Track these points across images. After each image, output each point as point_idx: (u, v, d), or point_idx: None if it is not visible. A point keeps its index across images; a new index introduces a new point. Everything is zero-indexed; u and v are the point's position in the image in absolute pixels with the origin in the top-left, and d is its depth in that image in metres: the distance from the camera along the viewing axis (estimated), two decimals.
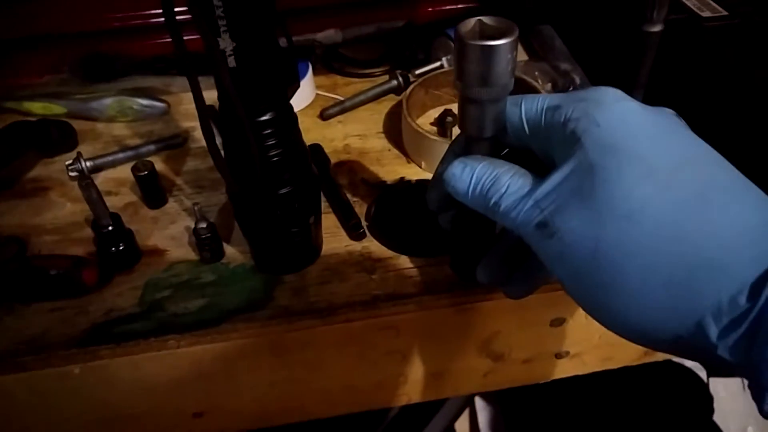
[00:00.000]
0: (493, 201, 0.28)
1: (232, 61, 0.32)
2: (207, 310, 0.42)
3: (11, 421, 0.43)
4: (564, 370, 0.53)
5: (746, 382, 0.23)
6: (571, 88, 0.61)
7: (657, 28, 0.37)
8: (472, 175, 0.28)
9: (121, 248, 0.44)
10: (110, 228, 0.43)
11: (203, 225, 0.43)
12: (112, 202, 0.52)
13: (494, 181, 0.28)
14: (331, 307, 0.42)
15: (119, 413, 0.44)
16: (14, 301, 0.42)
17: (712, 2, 0.50)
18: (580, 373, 0.54)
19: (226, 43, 0.31)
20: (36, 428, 0.44)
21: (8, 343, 0.41)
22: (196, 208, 0.43)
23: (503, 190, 0.27)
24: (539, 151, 0.30)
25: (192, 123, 0.62)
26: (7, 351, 0.40)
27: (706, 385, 0.97)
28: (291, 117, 0.38)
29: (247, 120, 0.34)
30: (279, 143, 0.37)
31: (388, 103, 0.64)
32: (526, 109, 0.29)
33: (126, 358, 0.40)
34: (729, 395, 1.00)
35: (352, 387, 0.49)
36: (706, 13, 0.49)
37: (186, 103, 0.65)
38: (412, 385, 0.49)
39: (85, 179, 0.40)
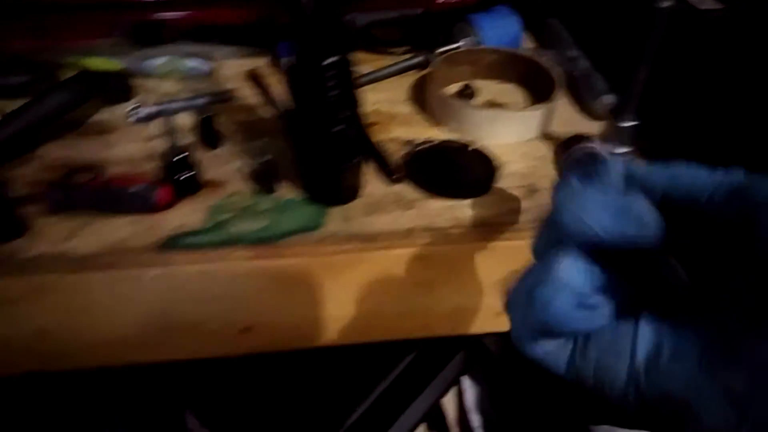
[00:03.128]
0: None
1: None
2: (267, 230, 0.48)
3: (82, 315, 0.48)
4: None
5: None
6: (574, 72, 0.68)
7: (667, 4, 0.44)
8: None
9: (188, 175, 0.50)
10: (181, 155, 0.49)
11: (261, 160, 0.50)
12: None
13: None
14: (373, 234, 0.48)
15: (177, 321, 0.50)
16: (96, 213, 0.48)
17: None
18: None
19: None
20: (100, 326, 0.49)
21: (94, 247, 0.46)
22: (257, 143, 0.50)
23: None
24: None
25: (234, 85, 0.68)
26: (92, 254, 0.46)
27: None
28: (349, 63, 0.44)
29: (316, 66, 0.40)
30: (338, 84, 0.44)
31: (410, 78, 0.71)
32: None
33: (195, 266, 0.46)
34: None
35: (380, 314, 0.55)
36: (706, 6, 0.57)
37: (226, 69, 0.71)
38: (434, 318, 0.56)
39: (167, 114, 0.46)
